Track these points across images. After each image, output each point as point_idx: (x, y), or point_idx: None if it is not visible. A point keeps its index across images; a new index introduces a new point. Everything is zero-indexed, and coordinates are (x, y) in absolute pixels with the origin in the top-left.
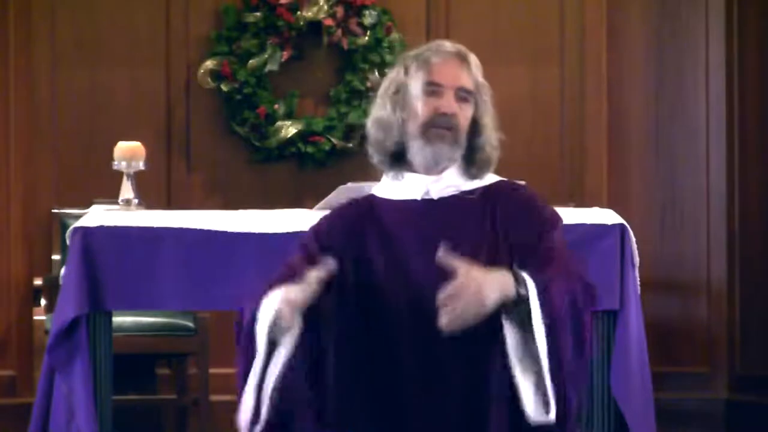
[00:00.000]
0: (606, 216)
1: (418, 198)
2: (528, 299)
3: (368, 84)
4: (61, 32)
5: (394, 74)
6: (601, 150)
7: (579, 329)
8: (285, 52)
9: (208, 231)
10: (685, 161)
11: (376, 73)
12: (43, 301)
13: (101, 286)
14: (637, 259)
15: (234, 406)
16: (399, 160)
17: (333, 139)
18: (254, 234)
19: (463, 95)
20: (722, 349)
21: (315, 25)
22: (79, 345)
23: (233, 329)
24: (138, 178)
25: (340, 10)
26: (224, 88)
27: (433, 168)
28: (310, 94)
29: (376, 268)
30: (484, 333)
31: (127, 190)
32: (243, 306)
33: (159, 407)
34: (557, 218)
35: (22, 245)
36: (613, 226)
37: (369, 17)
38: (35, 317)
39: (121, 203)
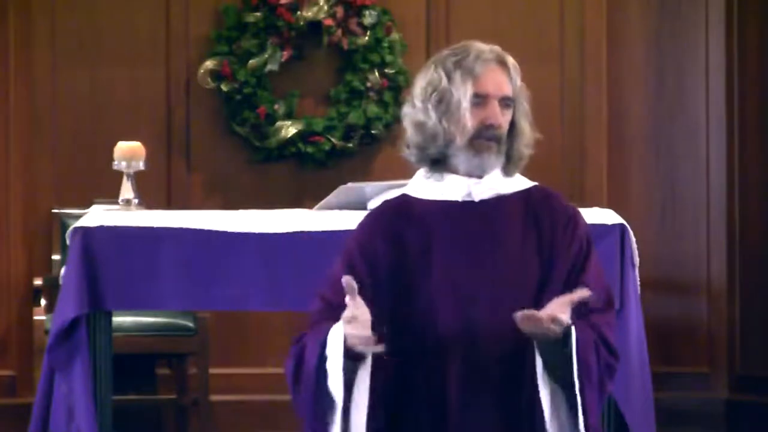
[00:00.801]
0: (606, 216)
1: (459, 199)
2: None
3: (368, 84)
4: (61, 32)
5: (433, 78)
6: (601, 150)
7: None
8: (285, 52)
9: (208, 231)
10: (685, 161)
11: (376, 73)
12: (43, 301)
13: (101, 286)
14: (637, 259)
15: (234, 406)
16: (437, 162)
17: (333, 139)
18: (254, 234)
19: (506, 102)
20: (722, 349)
21: (315, 25)
22: (79, 345)
23: (286, 376)
24: (138, 178)
25: (340, 10)
26: (224, 88)
27: (477, 175)
28: (310, 94)
29: (420, 270)
30: (524, 346)
31: (127, 190)
32: (296, 347)
33: (159, 407)
34: (591, 238)
35: (22, 245)
36: (613, 226)
37: (369, 17)
38: (35, 317)
39: (121, 203)
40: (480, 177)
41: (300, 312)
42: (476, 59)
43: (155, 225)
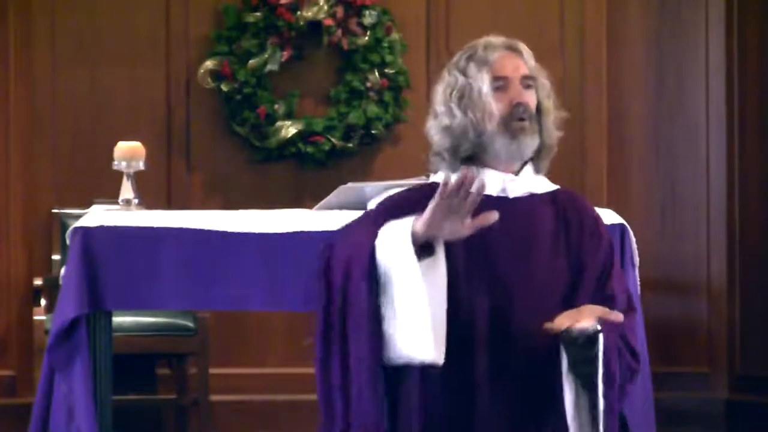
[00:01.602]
0: (606, 216)
1: (494, 195)
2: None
3: (368, 84)
4: (61, 32)
5: (450, 81)
6: (601, 150)
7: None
8: (285, 52)
9: (208, 231)
10: (685, 161)
11: (376, 73)
12: (43, 301)
13: (101, 286)
14: (637, 259)
15: (234, 406)
16: (468, 159)
17: (333, 139)
18: (254, 234)
19: (527, 83)
20: (722, 349)
21: (315, 25)
22: (79, 345)
23: (318, 276)
24: (138, 178)
25: (340, 10)
26: (224, 88)
27: (518, 161)
28: (310, 94)
29: (457, 257)
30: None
31: (127, 190)
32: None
33: (159, 407)
34: (612, 242)
35: (22, 245)
36: (613, 226)
37: (369, 17)
38: (35, 317)
39: (121, 203)
40: (517, 164)
41: (300, 312)
42: (486, 48)
43: (155, 225)
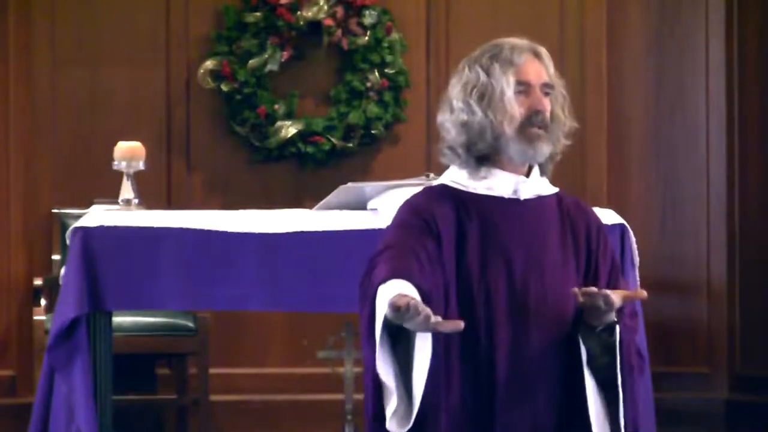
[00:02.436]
0: (606, 216)
1: (506, 196)
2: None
3: (368, 84)
4: (61, 32)
5: (470, 77)
6: (601, 150)
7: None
8: (285, 52)
9: (208, 231)
10: (685, 161)
11: (376, 73)
12: (43, 301)
13: (101, 286)
14: (637, 259)
15: (234, 406)
16: (482, 159)
17: (333, 139)
18: (254, 234)
19: (546, 90)
20: (722, 349)
21: (315, 25)
22: (79, 345)
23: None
24: (138, 178)
25: (340, 10)
26: (224, 88)
27: (512, 169)
28: (310, 94)
29: (472, 259)
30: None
31: (127, 190)
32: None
33: (159, 407)
34: (614, 247)
35: (22, 245)
36: (613, 226)
37: (369, 17)
38: (35, 317)
39: (121, 203)
40: (512, 170)
41: (300, 312)
42: (512, 50)
43: (155, 225)
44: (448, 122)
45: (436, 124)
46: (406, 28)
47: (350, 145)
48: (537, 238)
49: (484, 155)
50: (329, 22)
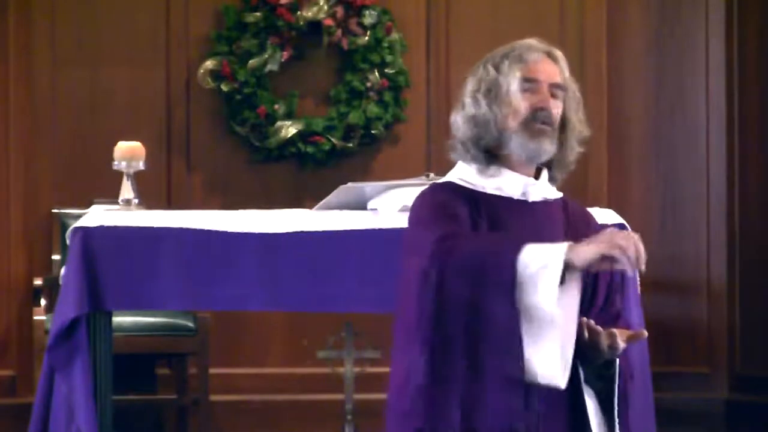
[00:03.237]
0: (606, 216)
1: (515, 197)
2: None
3: (368, 84)
4: (61, 32)
5: (482, 74)
6: (601, 150)
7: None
8: (285, 52)
9: (208, 231)
10: (685, 161)
11: (376, 73)
12: (43, 301)
13: (101, 286)
14: None
15: (234, 406)
16: (492, 156)
17: (333, 139)
18: (254, 234)
19: (555, 91)
20: (722, 349)
21: (315, 25)
22: (79, 345)
23: (417, 279)
24: (138, 178)
25: (340, 10)
26: (224, 88)
27: (533, 162)
28: (310, 94)
29: None
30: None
31: (127, 190)
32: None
33: (159, 407)
34: None
35: (22, 245)
36: (613, 226)
37: (369, 17)
38: (35, 317)
39: (121, 203)
40: (533, 166)
41: (300, 312)
42: (525, 49)
43: (155, 225)
44: (459, 117)
45: (436, 124)
46: (406, 28)
47: (350, 145)
48: (544, 240)
49: (493, 153)
50: (329, 22)
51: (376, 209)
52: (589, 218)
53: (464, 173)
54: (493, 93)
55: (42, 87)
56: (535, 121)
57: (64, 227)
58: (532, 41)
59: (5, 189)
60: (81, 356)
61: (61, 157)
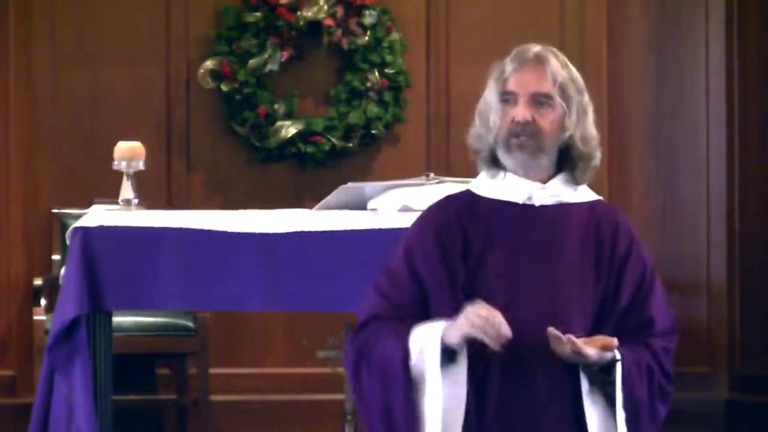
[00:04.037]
0: None
1: (520, 202)
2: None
3: (368, 84)
4: (61, 32)
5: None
6: (601, 150)
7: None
8: (285, 52)
9: (208, 231)
10: (685, 161)
11: (376, 73)
12: (43, 301)
13: (101, 286)
14: None
15: (234, 406)
16: (497, 163)
17: (333, 139)
18: (254, 234)
19: (541, 100)
20: (722, 349)
21: (315, 25)
22: (79, 345)
23: (346, 368)
24: (138, 178)
25: (340, 10)
26: (224, 88)
27: (523, 176)
28: (310, 94)
29: (483, 267)
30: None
31: (127, 190)
32: (355, 341)
33: (159, 407)
34: (653, 265)
35: (22, 245)
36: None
37: (369, 17)
38: (35, 317)
39: (121, 203)
40: (524, 176)
41: (300, 312)
42: (512, 59)
43: (155, 225)
44: (471, 130)
45: (436, 124)
46: (406, 28)
47: (350, 145)
48: (549, 244)
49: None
50: (329, 22)
51: (375, 209)
52: (619, 223)
53: (480, 180)
54: (484, 111)
55: (42, 87)
56: (511, 136)
57: (64, 227)
58: (526, 46)
59: (5, 189)
60: (81, 356)
61: (61, 157)
